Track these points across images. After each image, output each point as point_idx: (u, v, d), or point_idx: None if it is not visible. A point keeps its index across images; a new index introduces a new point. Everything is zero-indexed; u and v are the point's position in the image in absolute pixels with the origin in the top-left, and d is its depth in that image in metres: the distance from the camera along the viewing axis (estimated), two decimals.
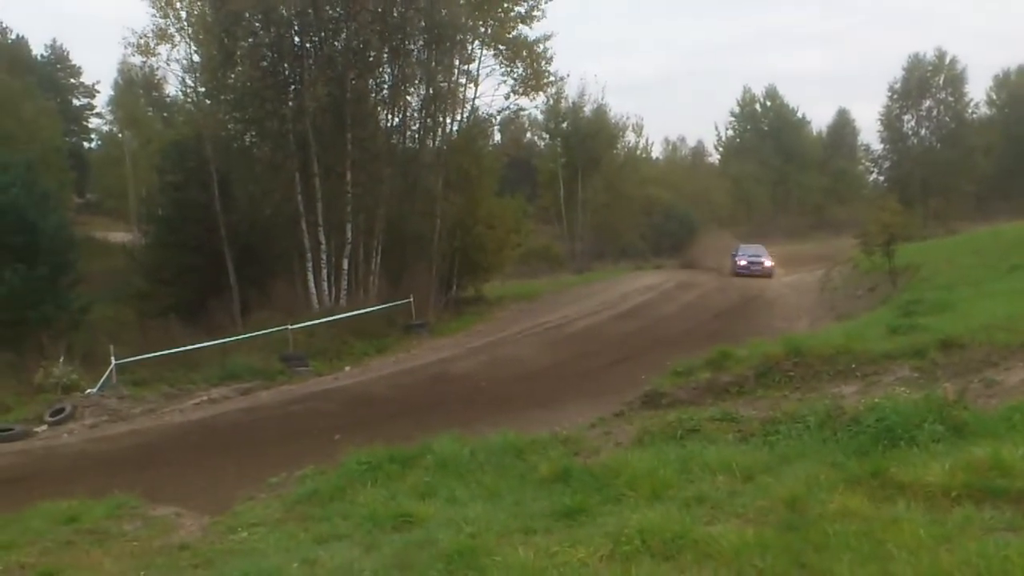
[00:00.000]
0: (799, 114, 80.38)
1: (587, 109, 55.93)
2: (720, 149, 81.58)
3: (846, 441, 6.95)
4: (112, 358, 20.04)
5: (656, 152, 75.05)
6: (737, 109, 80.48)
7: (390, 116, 31.55)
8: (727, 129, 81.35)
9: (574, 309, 29.12)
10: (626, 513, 5.82)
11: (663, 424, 8.38)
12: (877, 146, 77.85)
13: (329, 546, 6.25)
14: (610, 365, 19.40)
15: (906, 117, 74.21)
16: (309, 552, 6.07)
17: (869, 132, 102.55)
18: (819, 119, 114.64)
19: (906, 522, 4.87)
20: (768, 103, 79.60)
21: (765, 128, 78.34)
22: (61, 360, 20.53)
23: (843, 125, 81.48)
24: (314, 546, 6.31)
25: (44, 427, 16.93)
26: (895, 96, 74.05)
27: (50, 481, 12.17)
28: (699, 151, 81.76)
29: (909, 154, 73.23)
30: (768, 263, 41.75)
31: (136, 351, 21.28)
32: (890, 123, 74.70)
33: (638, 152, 63.89)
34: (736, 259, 42.93)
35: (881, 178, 78.01)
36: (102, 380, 19.69)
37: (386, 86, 30.82)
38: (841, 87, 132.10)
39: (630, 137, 61.62)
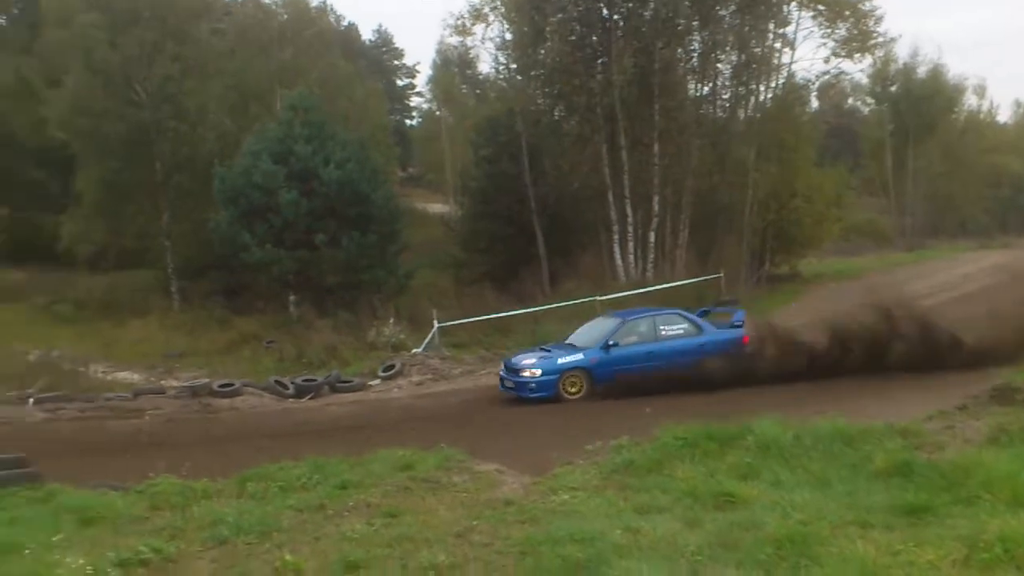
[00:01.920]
0: None
1: (920, 70, 50.96)
2: None
3: None
4: (435, 321, 21.62)
5: (1004, 116, 66.95)
6: None
7: (699, 85, 30.91)
8: None
9: (904, 290, 26.81)
10: (982, 517, 5.34)
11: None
12: None
13: (650, 517, 6.24)
14: None
15: None
16: (630, 521, 6.11)
17: None
18: None
19: None
20: None
21: None
22: (391, 321, 22.55)
23: None
24: (635, 516, 6.33)
25: (377, 381, 18.66)
26: None
27: (384, 430, 13.35)
28: None
29: None
30: (534, 371, 15.28)
31: (454, 316, 22.82)
32: None
33: (981, 116, 57.59)
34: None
35: None
36: (426, 341, 21.33)
37: (695, 54, 30.19)
38: None
39: (971, 100, 55.65)
